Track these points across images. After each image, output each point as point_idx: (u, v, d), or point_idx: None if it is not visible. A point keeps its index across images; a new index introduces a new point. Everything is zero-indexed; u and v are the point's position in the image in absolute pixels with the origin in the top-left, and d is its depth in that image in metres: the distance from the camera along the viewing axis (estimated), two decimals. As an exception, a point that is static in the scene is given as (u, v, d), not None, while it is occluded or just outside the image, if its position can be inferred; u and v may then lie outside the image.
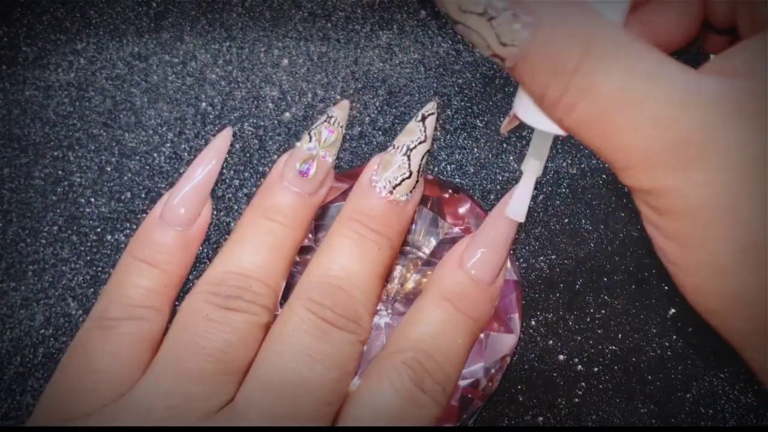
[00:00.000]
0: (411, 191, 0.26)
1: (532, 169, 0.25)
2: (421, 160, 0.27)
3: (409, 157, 0.26)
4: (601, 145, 0.19)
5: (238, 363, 0.23)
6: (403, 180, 0.26)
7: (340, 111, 0.28)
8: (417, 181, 0.26)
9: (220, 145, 0.26)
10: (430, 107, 0.27)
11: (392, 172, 0.26)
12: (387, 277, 0.27)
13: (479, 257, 0.25)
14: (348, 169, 0.40)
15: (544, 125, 0.21)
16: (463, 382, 0.32)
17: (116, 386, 0.23)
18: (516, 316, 0.33)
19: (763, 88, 0.18)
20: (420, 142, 0.27)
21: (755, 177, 0.18)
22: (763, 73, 0.18)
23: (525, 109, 0.21)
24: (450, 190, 0.35)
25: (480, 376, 0.32)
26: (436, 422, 0.24)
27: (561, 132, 0.21)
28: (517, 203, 0.25)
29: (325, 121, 0.27)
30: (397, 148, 0.27)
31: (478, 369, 0.33)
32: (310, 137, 0.27)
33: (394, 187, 0.26)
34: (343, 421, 0.23)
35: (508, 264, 0.34)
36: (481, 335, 0.33)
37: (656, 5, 0.23)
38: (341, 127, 0.28)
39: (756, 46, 0.19)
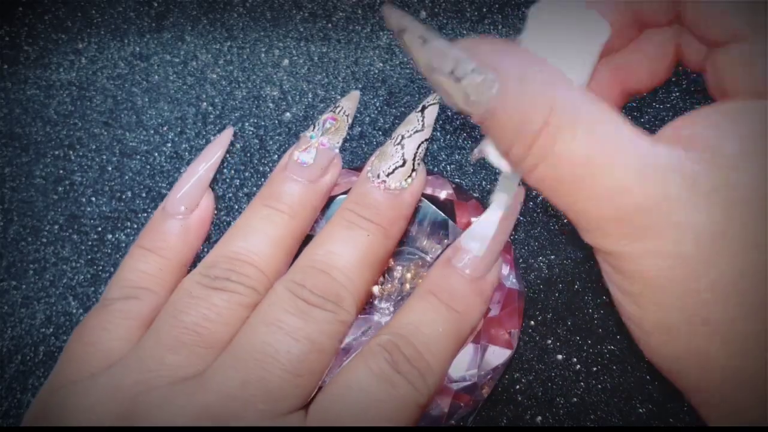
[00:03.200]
0: (406, 179, 0.26)
1: (499, 202, 0.25)
2: (417, 148, 0.27)
3: (402, 145, 0.26)
4: (561, 206, 0.20)
5: (217, 337, 0.24)
6: (396, 168, 0.26)
7: (348, 101, 0.28)
8: (413, 170, 0.26)
9: (222, 141, 0.27)
10: (432, 98, 0.27)
11: (386, 162, 0.26)
12: (382, 266, 0.26)
13: (460, 246, 0.26)
14: (349, 168, 0.41)
15: (508, 168, 0.22)
16: (454, 386, 0.33)
17: (103, 357, 0.24)
18: (516, 331, 0.33)
19: (716, 163, 0.18)
20: (416, 131, 0.27)
21: (709, 252, 0.18)
22: (717, 146, 0.18)
23: (492, 152, 0.22)
24: (465, 197, 0.35)
25: (472, 383, 0.33)
26: (417, 409, 0.23)
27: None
28: (478, 232, 0.25)
29: (330, 110, 0.28)
30: (394, 138, 0.27)
31: (471, 376, 0.33)
32: (314, 126, 0.27)
33: (387, 176, 0.26)
34: (316, 401, 0.23)
35: (513, 277, 0.34)
36: (474, 343, 0.33)
37: (629, 52, 0.24)
38: (347, 116, 0.28)
39: (712, 117, 0.19)
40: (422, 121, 0.27)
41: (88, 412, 0.22)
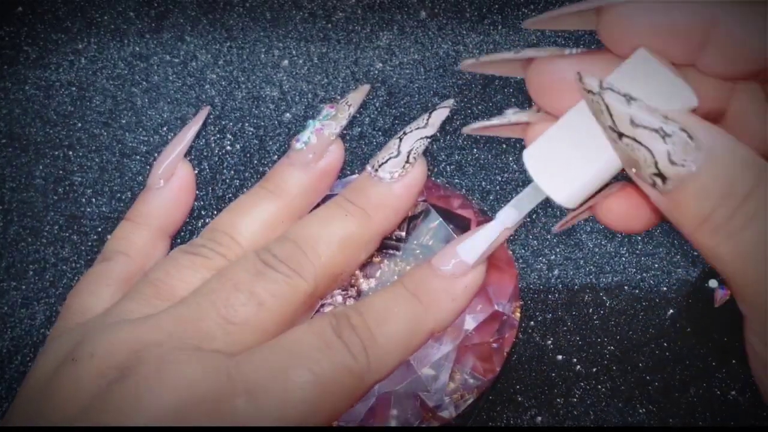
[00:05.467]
0: (398, 171, 0.26)
1: (506, 218, 0.24)
2: (414, 143, 0.27)
3: (401, 139, 0.27)
4: (755, 281, 0.19)
5: (173, 291, 0.25)
6: (390, 159, 0.27)
7: (356, 93, 0.29)
8: (408, 163, 0.26)
9: (197, 119, 0.29)
10: (447, 102, 0.28)
11: (383, 153, 0.27)
12: (359, 250, 0.27)
13: (448, 253, 0.26)
14: (349, 171, 0.41)
15: (547, 184, 0.21)
16: (430, 401, 0.33)
17: (78, 315, 0.26)
18: (499, 359, 0.34)
19: None
20: (418, 128, 0.27)
21: None
22: None
23: (536, 163, 0.22)
24: (484, 220, 0.36)
25: (446, 401, 0.33)
26: (352, 378, 0.23)
27: (558, 197, 0.22)
28: (472, 243, 0.25)
29: (334, 101, 0.29)
30: (398, 134, 0.27)
31: (445, 392, 0.33)
32: (316, 115, 0.28)
33: (380, 166, 0.27)
34: (249, 349, 0.24)
35: (510, 306, 0.34)
36: (451, 363, 0.33)
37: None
38: (348, 105, 0.28)
39: None
40: (427, 120, 0.27)
41: (53, 353, 0.24)
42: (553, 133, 0.22)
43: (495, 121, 0.24)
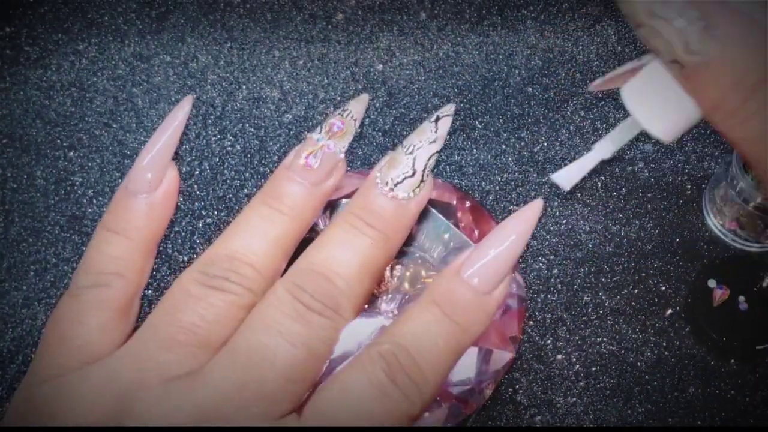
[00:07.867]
0: (414, 190, 0.26)
1: (603, 150, 0.26)
2: (428, 160, 0.26)
3: (414, 155, 0.26)
4: (762, 165, 0.20)
5: (212, 337, 0.24)
6: (406, 178, 0.26)
7: (357, 104, 0.28)
8: (422, 181, 0.26)
9: (179, 111, 0.27)
10: (447, 109, 0.27)
11: (396, 170, 0.26)
12: (381, 274, 0.26)
13: (478, 266, 0.25)
14: (350, 170, 0.41)
15: (643, 117, 0.23)
16: (455, 390, 0.33)
17: (83, 351, 0.24)
18: (516, 336, 0.34)
19: None
20: (429, 142, 0.27)
21: None
22: None
23: (633, 98, 0.23)
24: (468, 202, 0.36)
25: (471, 387, 0.33)
26: (409, 420, 0.23)
27: (654, 131, 0.23)
28: (569, 172, 0.26)
29: (339, 113, 0.27)
30: (406, 146, 0.27)
31: (471, 380, 0.33)
32: (321, 128, 0.27)
33: (396, 185, 0.26)
34: (310, 403, 0.23)
35: (514, 286, 0.34)
36: (476, 349, 0.33)
37: None
38: (354, 120, 0.27)
39: None
40: (436, 132, 0.27)
41: (81, 407, 0.22)
42: (650, 71, 0.23)
43: (630, 65, 0.25)
